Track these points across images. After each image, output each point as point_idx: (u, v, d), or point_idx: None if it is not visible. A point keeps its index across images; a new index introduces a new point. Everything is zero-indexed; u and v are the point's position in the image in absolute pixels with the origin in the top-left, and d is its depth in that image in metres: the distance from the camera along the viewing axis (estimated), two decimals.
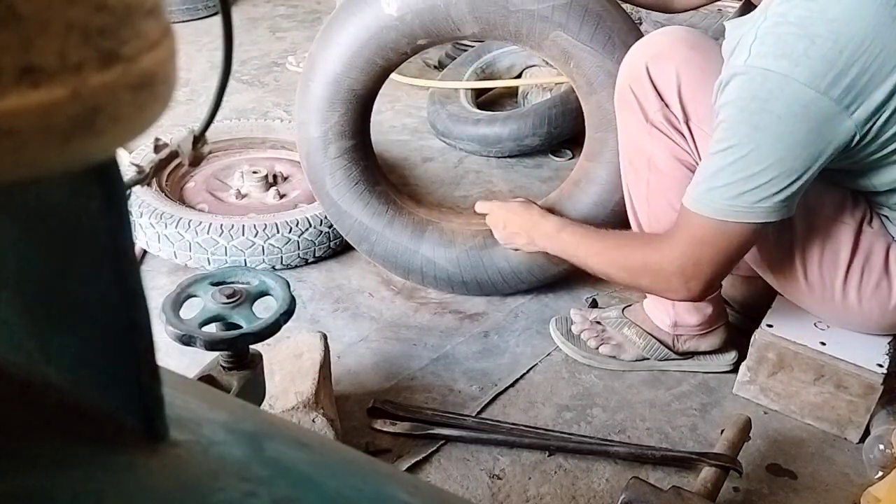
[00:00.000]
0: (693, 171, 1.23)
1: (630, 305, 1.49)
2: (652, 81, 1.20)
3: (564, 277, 1.66)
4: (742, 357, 1.40)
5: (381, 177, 1.60)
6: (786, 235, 1.21)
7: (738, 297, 1.55)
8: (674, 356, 1.43)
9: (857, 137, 1.03)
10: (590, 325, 1.48)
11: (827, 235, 1.20)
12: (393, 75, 2.58)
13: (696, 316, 1.38)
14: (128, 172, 0.62)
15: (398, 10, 1.35)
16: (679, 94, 1.19)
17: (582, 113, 1.50)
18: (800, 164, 1.04)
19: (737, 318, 1.52)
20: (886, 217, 1.20)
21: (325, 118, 1.46)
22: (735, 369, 1.42)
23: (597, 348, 1.45)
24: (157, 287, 1.56)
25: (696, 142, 1.21)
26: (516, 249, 1.49)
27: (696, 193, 1.10)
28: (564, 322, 1.51)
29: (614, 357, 1.44)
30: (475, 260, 1.55)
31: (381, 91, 1.52)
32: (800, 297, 1.29)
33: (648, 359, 1.43)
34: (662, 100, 1.20)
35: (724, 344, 1.43)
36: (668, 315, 1.39)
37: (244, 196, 1.81)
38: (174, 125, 1.99)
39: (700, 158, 1.21)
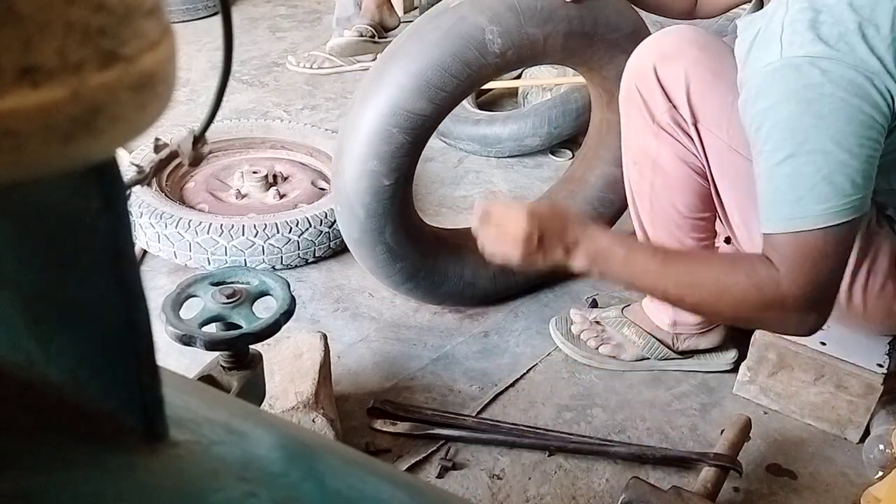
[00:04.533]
0: (698, 173, 1.22)
1: (629, 305, 1.49)
2: (660, 82, 1.19)
3: (565, 279, 1.66)
4: (742, 356, 1.40)
5: (419, 214, 1.51)
6: None
7: None
8: (674, 355, 1.43)
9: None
10: (589, 325, 1.47)
11: None
12: None
13: (695, 316, 1.37)
14: (128, 172, 0.62)
15: (500, 48, 1.27)
16: (688, 95, 1.17)
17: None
18: (873, 139, 0.97)
19: None
20: (892, 218, 1.19)
21: (400, 164, 1.30)
22: (735, 368, 1.42)
23: (597, 348, 1.45)
24: (157, 287, 1.56)
25: (703, 144, 1.19)
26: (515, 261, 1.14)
27: (783, 213, 0.99)
28: (564, 322, 1.51)
29: (614, 357, 1.44)
30: (508, 272, 1.53)
31: None
32: None
33: (648, 358, 1.43)
34: (670, 101, 1.19)
35: (724, 342, 1.43)
36: (668, 314, 1.39)
37: (244, 196, 1.81)
38: (174, 125, 1.99)
39: (707, 161, 1.20)
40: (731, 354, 1.44)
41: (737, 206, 1.22)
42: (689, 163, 1.22)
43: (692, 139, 1.20)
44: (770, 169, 0.99)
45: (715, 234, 1.35)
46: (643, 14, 1.48)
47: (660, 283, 1.05)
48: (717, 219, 1.32)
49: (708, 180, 1.24)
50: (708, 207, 1.27)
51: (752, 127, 1.01)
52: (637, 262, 1.06)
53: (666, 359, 1.43)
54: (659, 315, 1.41)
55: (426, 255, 1.45)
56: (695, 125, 1.18)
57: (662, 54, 1.19)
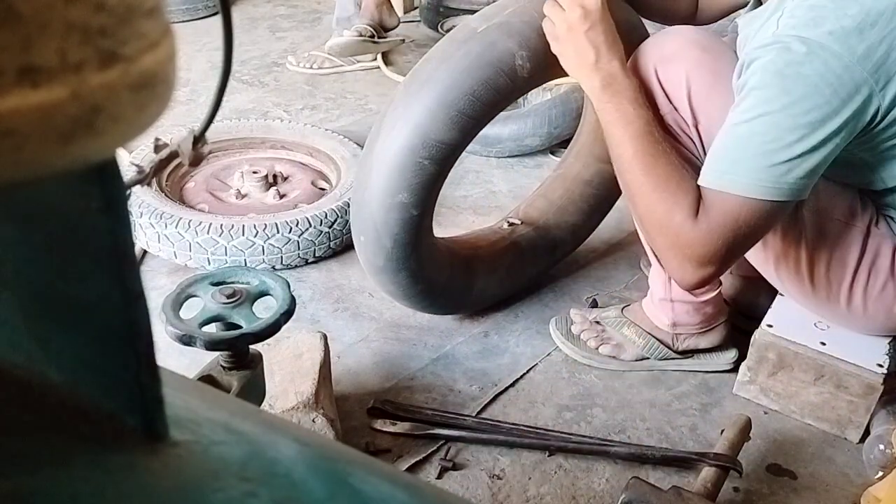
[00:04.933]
0: (698, 175, 1.22)
1: (629, 305, 1.49)
2: (661, 84, 1.18)
3: (565, 279, 1.66)
4: (742, 356, 1.40)
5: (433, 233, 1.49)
6: (793, 237, 1.21)
7: (739, 297, 1.55)
8: (673, 355, 1.43)
9: (879, 117, 1.01)
10: (590, 325, 1.47)
11: (836, 238, 1.20)
12: (393, 74, 2.59)
13: (695, 316, 1.38)
14: (128, 172, 0.62)
15: (529, 72, 1.23)
16: (689, 98, 1.17)
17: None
18: (830, 136, 1.00)
19: (738, 318, 1.52)
20: (892, 218, 1.20)
21: (427, 196, 1.28)
22: (735, 368, 1.42)
23: (597, 348, 1.45)
24: (157, 287, 1.56)
25: (704, 146, 1.19)
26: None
27: (721, 168, 1.05)
28: (564, 322, 1.51)
29: (614, 357, 1.44)
30: (514, 275, 1.58)
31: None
32: (804, 298, 1.29)
33: (648, 358, 1.43)
34: (671, 102, 1.18)
35: (725, 341, 1.43)
36: (668, 315, 1.39)
37: (244, 196, 1.81)
38: (174, 125, 1.99)
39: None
40: (731, 354, 1.44)
41: None
42: (689, 164, 1.22)
43: (693, 141, 1.20)
44: (728, 126, 1.05)
45: None
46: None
47: (623, 161, 1.15)
48: None
49: None
50: None
51: (738, 92, 1.06)
52: (622, 129, 1.14)
53: (666, 358, 1.43)
54: (659, 316, 1.41)
55: (442, 273, 1.43)
56: (696, 127, 1.18)
57: (663, 56, 1.18)
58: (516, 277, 1.58)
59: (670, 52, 1.18)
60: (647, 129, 1.13)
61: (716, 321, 1.40)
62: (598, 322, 1.48)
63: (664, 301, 1.38)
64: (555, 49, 1.20)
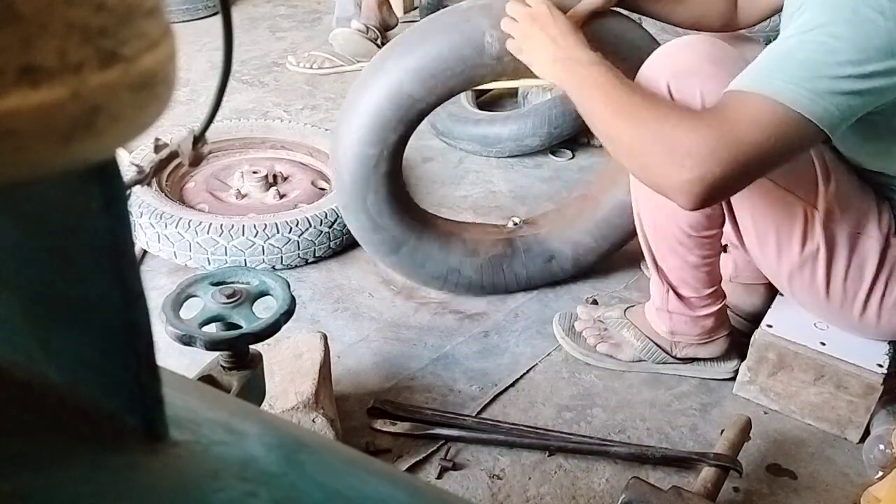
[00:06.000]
0: None
1: (632, 306, 1.48)
2: (673, 99, 1.13)
3: (565, 279, 1.66)
4: (743, 359, 1.39)
5: (407, 192, 1.60)
6: (810, 251, 1.19)
7: (743, 305, 1.55)
8: (671, 360, 1.42)
9: None
10: (593, 323, 1.48)
11: (853, 250, 1.18)
12: None
13: (693, 328, 1.36)
14: (128, 172, 0.62)
15: (497, 53, 1.30)
16: None
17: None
18: (881, 73, 0.94)
19: (744, 326, 1.50)
20: None
21: (385, 136, 1.38)
22: (734, 376, 1.41)
23: (595, 346, 1.45)
24: (157, 287, 1.56)
25: None
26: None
27: (757, 74, 0.97)
28: (568, 318, 1.51)
29: (611, 356, 1.44)
30: (497, 267, 1.60)
31: None
32: (816, 307, 1.28)
33: (645, 361, 1.43)
34: None
35: (726, 353, 1.42)
36: (665, 324, 1.38)
37: (244, 196, 1.81)
38: (174, 125, 1.99)
39: None
40: (733, 364, 1.42)
41: (755, 223, 1.20)
42: None
43: None
44: (775, 43, 0.98)
45: (720, 250, 1.33)
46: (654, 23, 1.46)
47: (606, 102, 1.08)
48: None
49: None
50: (714, 224, 1.25)
51: (787, 23, 1.00)
52: (593, 80, 1.10)
53: (663, 363, 1.42)
54: (657, 322, 1.40)
55: (409, 231, 1.51)
56: None
57: (676, 71, 1.13)
58: (499, 270, 1.60)
59: (684, 66, 1.13)
60: (622, 82, 1.08)
61: (717, 334, 1.39)
62: (601, 320, 1.48)
63: (661, 311, 1.37)
64: (513, 47, 1.25)
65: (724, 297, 1.37)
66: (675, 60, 1.14)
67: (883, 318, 1.22)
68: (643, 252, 1.35)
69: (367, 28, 2.65)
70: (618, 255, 1.68)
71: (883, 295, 1.20)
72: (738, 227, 1.24)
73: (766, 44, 1.20)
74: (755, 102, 0.95)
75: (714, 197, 1.01)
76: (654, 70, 1.15)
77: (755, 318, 1.47)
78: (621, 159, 1.10)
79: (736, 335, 1.44)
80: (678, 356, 1.42)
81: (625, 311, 1.48)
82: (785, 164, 1.04)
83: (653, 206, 1.26)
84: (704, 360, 1.43)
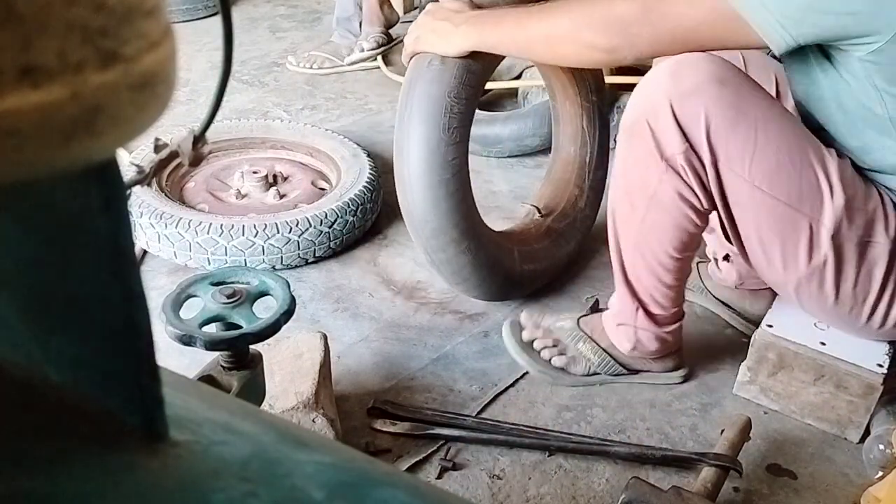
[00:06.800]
0: (696, 213, 1.18)
1: (585, 316, 1.44)
2: (677, 120, 1.11)
3: (565, 279, 1.66)
4: (691, 373, 1.42)
5: None
6: (817, 262, 1.17)
7: (751, 309, 1.55)
8: (625, 371, 1.40)
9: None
10: (543, 334, 1.42)
11: (862, 257, 1.17)
12: (392, 74, 2.59)
13: (654, 343, 1.35)
14: (128, 172, 0.62)
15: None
16: (707, 135, 1.11)
17: None
18: (833, 5, 1.00)
19: (749, 330, 1.48)
20: None
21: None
22: (686, 380, 1.42)
23: (549, 360, 1.40)
24: (157, 287, 1.56)
25: (722, 185, 1.14)
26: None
27: None
28: (517, 327, 1.44)
29: (564, 369, 1.40)
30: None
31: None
32: (822, 312, 1.28)
33: (600, 374, 1.40)
34: (688, 140, 1.12)
35: (675, 366, 1.42)
36: (629, 340, 1.35)
37: (244, 196, 1.81)
38: (174, 125, 1.99)
39: (725, 200, 1.16)
40: (682, 371, 1.42)
41: (759, 239, 1.19)
42: (689, 203, 1.17)
43: (701, 179, 1.15)
44: None
45: (690, 270, 1.33)
46: None
47: (531, 14, 1.22)
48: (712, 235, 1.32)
49: (703, 221, 1.21)
50: (692, 247, 1.25)
51: None
52: (506, 15, 1.26)
53: (618, 374, 1.41)
54: (619, 338, 1.37)
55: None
56: (714, 165, 1.13)
57: (682, 92, 1.11)
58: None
59: (688, 87, 1.11)
60: (528, 6, 1.22)
61: (671, 349, 1.39)
62: (551, 331, 1.43)
63: (627, 326, 1.34)
64: (413, 46, 1.36)
65: (684, 315, 1.37)
66: (679, 80, 1.12)
67: (890, 321, 1.22)
68: (613, 266, 1.32)
69: (381, 38, 2.66)
70: None
71: (892, 298, 1.19)
72: (741, 242, 1.22)
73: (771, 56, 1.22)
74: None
75: (628, 55, 1.16)
76: (655, 88, 1.14)
77: (760, 323, 1.46)
78: (565, 54, 1.24)
79: (682, 344, 1.43)
80: (632, 369, 1.40)
81: (577, 321, 1.42)
82: (711, 51, 1.13)
83: (637, 224, 1.23)
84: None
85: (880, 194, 1.18)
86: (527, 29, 1.23)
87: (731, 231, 1.21)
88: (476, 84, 1.38)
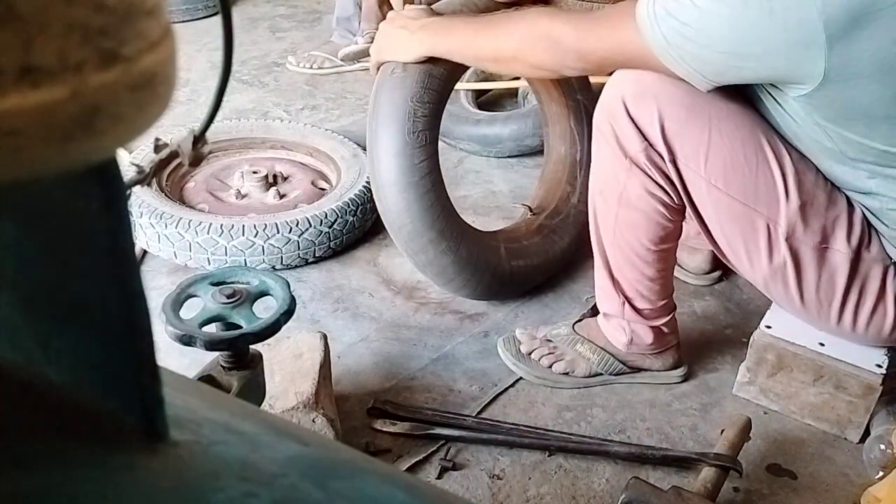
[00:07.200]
0: (667, 208, 1.20)
1: (580, 321, 1.45)
2: (632, 120, 1.15)
3: (565, 280, 1.66)
4: (691, 372, 1.42)
5: None
6: (778, 263, 1.19)
7: (687, 261, 1.60)
8: (627, 370, 1.41)
9: (822, 80, 1.01)
10: (540, 344, 1.43)
11: (822, 264, 1.18)
12: None
13: (649, 336, 1.36)
14: (128, 172, 0.62)
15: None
16: (662, 133, 1.13)
17: None
18: (750, 63, 1.04)
19: (687, 277, 1.57)
20: (883, 235, 1.18)
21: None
22: (686, 379, 1.42)
23: (549, 367, 1.41)
24: (157, 287, 1.56)
25: (684, 181, 1.16)
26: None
27: (654, 11, 1.05)
28: (513, 342, 1.45)
29: (567, 374, 1.40)
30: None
31: None
32: (796, 313, 1.29)
33: (602, 374, 1.41)
34: (646, 139, 1.15)
35: (676, 363, 1.42)
36: (624, 333, 1.36)
37: (244, 196, 1.81)
38: (174, 125, 1.99)
39: (689, 196, 1.18)
40: (682, 370, 1.43)
41: (723, 235, 1.20)
42: (658, 198, 1.19)
43: (667, 176, 1.17)
44: None
45: (675, 263, 1.36)
46: None
47: (488, 28, 1.27)
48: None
49: (676, 215, 1.23)
50: (672, 238, 1.27)
51: None
52: (463, 25, 1.32)
53: (619, 373, 1.41)
54: (614, 333, 1.38)
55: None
56: (673, 162, 1.15)
57: (634, 92, 1.15)
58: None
59: (639, 88, 1.14)
60: (481, 15, 1.30)
61: (669, 343, 1.39)
62: (549, 340, 1.43)
63: (619, 320, 1.36)
64: (376, 55, 1.43)
65: (675, 308, 1.38)
66: (634, 81, 1.15)
67: (859, 327, 1.22)
68: (596, 263, 1.33)
69: (372, 41, 2.65)
70: None
71: (857, 305, 1.20)
72: (712, 237, 1.23)
73: None
74: (638, 43, 1.08)
75: (578, 74, 1.38)
76: (611, 92, 1.19)
77: (697, 273, 1.66)
78: (514, 70, 1.41)
79: (682, 344, 1.43)
80: (632, 366, 1.41)
81: (573, 326, 1.44)
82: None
83: (612, 220, 1.26)
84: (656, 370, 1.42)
85: (850, 204, 1.18)
86: (473, 47, 1.29)
87: (701, 226, 1.23)
88: (440, 88, 1.40)
